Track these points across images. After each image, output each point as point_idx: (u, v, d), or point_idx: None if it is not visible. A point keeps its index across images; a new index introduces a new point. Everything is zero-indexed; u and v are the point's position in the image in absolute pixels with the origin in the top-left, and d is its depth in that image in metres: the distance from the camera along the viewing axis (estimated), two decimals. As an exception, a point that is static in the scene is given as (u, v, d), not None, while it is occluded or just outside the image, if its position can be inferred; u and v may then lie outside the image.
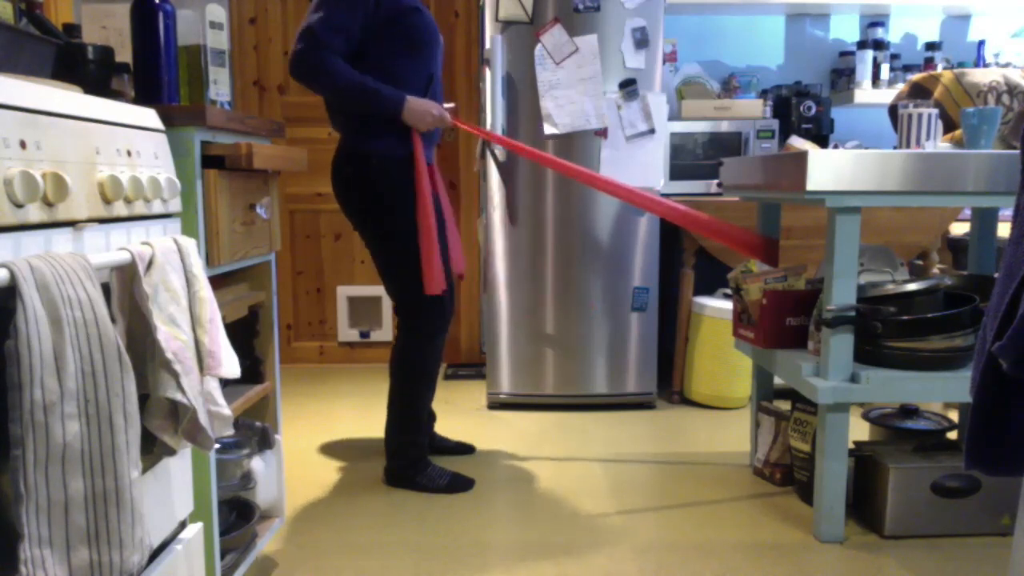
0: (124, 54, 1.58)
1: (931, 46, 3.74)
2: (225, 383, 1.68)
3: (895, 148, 2.04)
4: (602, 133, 2.99)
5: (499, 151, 3.00)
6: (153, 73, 1.43)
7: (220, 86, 1.58)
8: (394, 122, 2.21)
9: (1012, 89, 2.18)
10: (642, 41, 2.97)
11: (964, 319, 1.92)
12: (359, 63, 2.17)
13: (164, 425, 1.10)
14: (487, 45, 2.94)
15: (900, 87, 3.16)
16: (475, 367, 3.90)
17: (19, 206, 0.88)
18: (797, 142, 2.74)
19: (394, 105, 2.20)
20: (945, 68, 3.21)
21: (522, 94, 2.98)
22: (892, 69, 3.65)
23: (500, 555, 1.93)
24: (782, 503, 2.24)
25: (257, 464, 1.72)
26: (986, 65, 3.74)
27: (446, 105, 2.38)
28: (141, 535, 0.96)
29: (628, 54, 2.97)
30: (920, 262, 3.24)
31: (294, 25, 3.87)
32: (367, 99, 2.17)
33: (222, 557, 1.55)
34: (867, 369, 1.93)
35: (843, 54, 3.75)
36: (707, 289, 3.42)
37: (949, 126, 2.27)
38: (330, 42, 2.11)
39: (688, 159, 3.33)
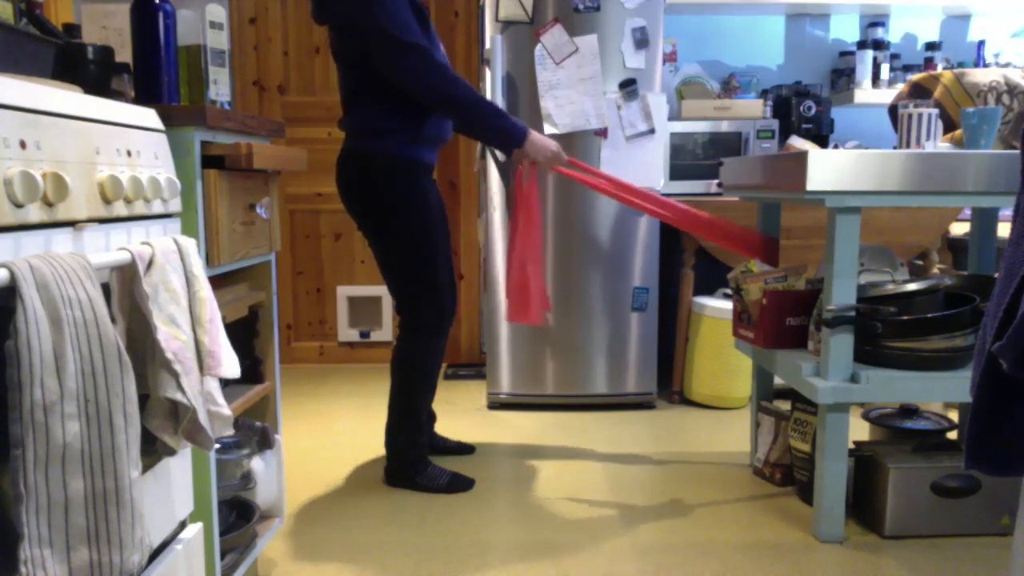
0: (124, 54, 1.58)
1: (931, 46, 3.73)
2: (225, 383, 1.68)
3: (895, 148, 2.04)
4: (602, 133, 2.99)
5: (499, 151, 3.00)
6: (153, 73, 1.43)
7: (220, 86, 1.58)
8: (402, 126, 2.20)
9: (1012, 89, 2.18)
10: (642, 41, 2.97)
11: (964, 319, 1.92)
12: (369, 64, 2.14)
13: (164, 425, 1.10)
14: (487, 45, 2.94)
15: (900, 87, 3.16)
16: (475, 367, 3.90)
17: (19, 206, 0.88)
18: (797, 142, 2.75)
19: (519, 132, 2.15)
20: (945, 68, 3.21)
21: (522, 94, 2.98)
22: (892, 69, 3.65)
23: (500, 555, 1.93)
24: (782, 503, 2.24)
25: (257, 464, 1.72)
26: (986, 65, 3.74)
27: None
28: (141, 535, 0.96)
29: (628, 54, 2.97)
30: (920, 262, 3.24)
31: (294, 25, 3.86)
32: (496, 119, 2.09)
33: (222, 557, 1.55)
34: (867, 369, 1.93)
35: (843, 54, 3.75)
36: (707, 289, 3.42)
37: (949, 126, 2.27)
38: (426, 44, 2.02)
39: (688, 159, 3.32)
